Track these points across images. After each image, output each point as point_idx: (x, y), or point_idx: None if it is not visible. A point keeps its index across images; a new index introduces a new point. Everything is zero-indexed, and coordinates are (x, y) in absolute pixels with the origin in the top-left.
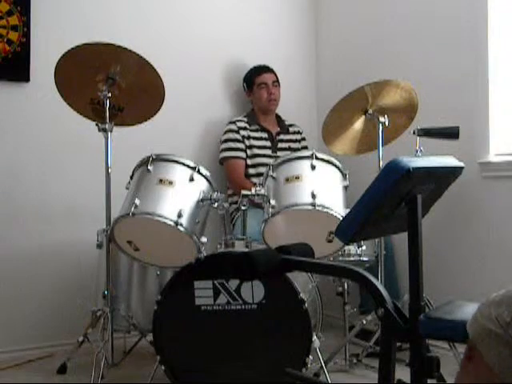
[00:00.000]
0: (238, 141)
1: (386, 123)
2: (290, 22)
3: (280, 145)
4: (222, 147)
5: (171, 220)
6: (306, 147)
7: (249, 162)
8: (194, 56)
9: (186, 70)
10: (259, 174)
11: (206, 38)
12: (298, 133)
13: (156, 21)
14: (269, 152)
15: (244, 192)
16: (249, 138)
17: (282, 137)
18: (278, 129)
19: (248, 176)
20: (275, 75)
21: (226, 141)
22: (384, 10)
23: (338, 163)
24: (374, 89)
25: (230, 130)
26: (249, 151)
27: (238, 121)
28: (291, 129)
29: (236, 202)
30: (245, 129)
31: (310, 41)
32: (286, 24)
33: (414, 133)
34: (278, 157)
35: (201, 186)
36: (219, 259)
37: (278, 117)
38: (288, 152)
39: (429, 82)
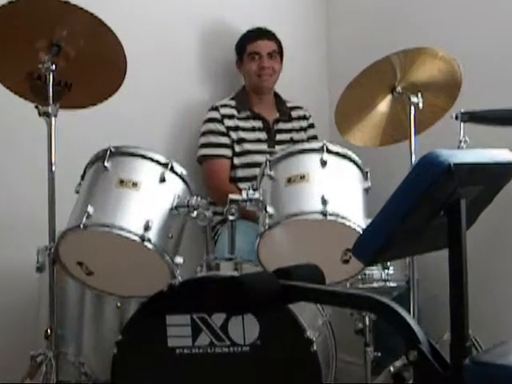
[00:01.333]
0: (221, 134)
1: (420, 105)
2: None
3: (279, 136)
4: (200, 142)
5: (136, 234)
6: (314, 137)
7: (236, 161)
8: (167, 18)
9: (157, 37)
10: (251, 178)
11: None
12: (304, 118)
13: None
14: (264, 147)
15: (232, 197)
16: (237, 129)
17: (281, 125)
18: (277, 115)
19: (235, 180)
20: (277, 44)
21: (206, 134)
22: None
23: (356, 158)
24: (403, 59)
25: (212, 120)
26: (237, 147)
27: (222, 106)
28: (294, 113)
29: (221, 213)
30: (231, 117)
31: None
32: None
33: (456, 117)
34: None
35: (175, 188)
36: (199, 286)
37: (277, 97)
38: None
39: (477, 50)
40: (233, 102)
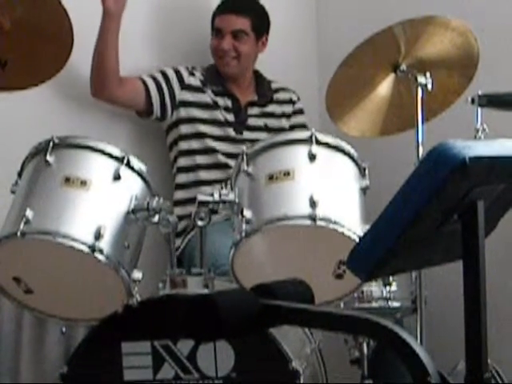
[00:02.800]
0: (168, 83)
1: (429, 86)
2: None
3: (250, 121)
4: None
5: (85, 243)
6: (303, 126)
7: (184, 145)
8: None
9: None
10: (215, 181)
11: None
12: (290, 102)
13: None
14: (230, 132)
15: (201, 198)
16: (195, 104)
17: (255, 110)
18: (255, 97)
19: (181, 186)
20: (250, 21)
21: (159, 71)
22: None
23: (351, 151)
24: (408, 30)
25: (173, 68)
26: (185, 126)
27: (187, 68)
28: (276, 96)
29: (188, 215)
30: (196, 79)
31: None
32: None
33: (472, 101)
34: (249, 141)
35: (132, 187)
36: (162, 307)
37: (258, 77)
38: (263, 134)
39: (498, 20)
40: (199, 74)
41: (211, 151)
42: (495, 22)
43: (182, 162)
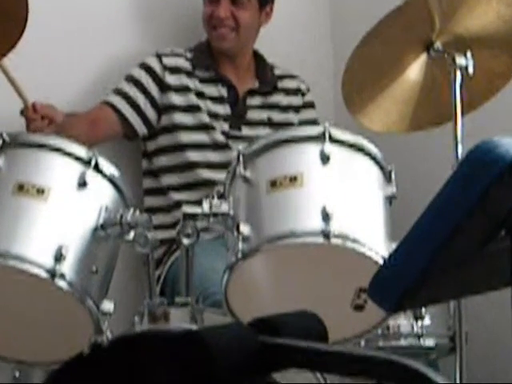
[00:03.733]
0: (143, 91)
1: (470, 69)
2: None
3: (251, 114)
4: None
5: (42, 266)
6: (313, 122)
7: (168, 139)
8: None
9: None
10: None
11: None
12: (298, 92)
13: None
14: (225, 127)
15: (187, 210)
16: (186, 89)
17: (257, 100)
18: (255, 84)
19: (160, 190)
20: None
21: (127, 79)
22: None
23: (374, 150)
24: (445, 1)
25: (144, 66)
26: (179, 115)
27: (169, 55)
28: (281, 84)
29: (172, 225)
30: (179, 71)
31: None
32: None
33: None
34: (250, 138)
35: (101, 197)
36: (138, 346)
37: (258, 60)
38: (266, 130)
39: None
40: (189, 54)
41: (191, 166)
42: None
43: (164, 179)
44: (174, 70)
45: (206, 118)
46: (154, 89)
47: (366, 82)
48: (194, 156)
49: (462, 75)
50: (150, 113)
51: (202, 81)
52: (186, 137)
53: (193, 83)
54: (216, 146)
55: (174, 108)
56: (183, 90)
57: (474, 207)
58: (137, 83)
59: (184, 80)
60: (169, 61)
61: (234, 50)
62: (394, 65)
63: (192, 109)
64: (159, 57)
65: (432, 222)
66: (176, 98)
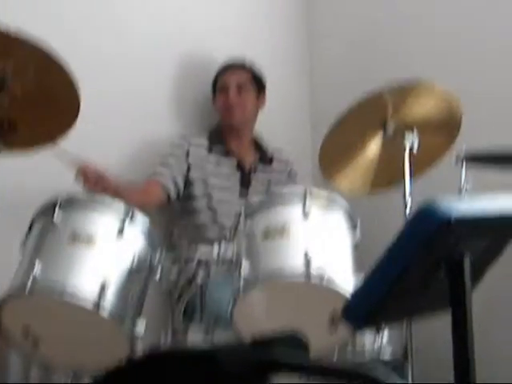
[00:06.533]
0: (177, 161)
1: (415, 145)
2: (272, 9)
3: (255, 180)
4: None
5: (89, 300)
6: (297, 185)
7: (197, 203)
8: (132, 51)
9: (118, 72)
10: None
11: (153, 25)
12: (287, 164)
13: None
14: (236, 193)
15: (200, 257)
16: (203, 167)
17: (259, 168)
18: (257, 157)
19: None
20: (250, 74)
21: (164, 155)
22: None
23: (345, 205)
24: (396, 94)
25: (176, 145)
26: (198, 188)
27: (193, 136)
28: (276, 156)
29: (190, 259)
30: (201, 147)
31: (300, 28)
32: (265, 11)
33: (457, 159)
34: (251, 200)
35: (135, 242)
36: (166, 361)
37: (258, 139)
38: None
39: (478, 84)
40: (205, 141)
41: (215, 209)
42: (475, 84)
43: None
44: (197, 146)
45: (227, 174)
46: (184, 164)
47: (337, 156)
48: (223, 204)
49: (410, 149)
50: (181, 187)
51: (217, 156)
52: (216, 192)
53: (210, 157)
54: (228, 210)
55: (193, 196)
56: (202, 164)
57: (419, 254)
58: (175, 160)
59: (203, 154)
60: (193, 141)
61: (241, 126)
62: (357, 142)
63: (207, 194)
64: (185, 137)
65: (387, 264)
66: (210, 166)
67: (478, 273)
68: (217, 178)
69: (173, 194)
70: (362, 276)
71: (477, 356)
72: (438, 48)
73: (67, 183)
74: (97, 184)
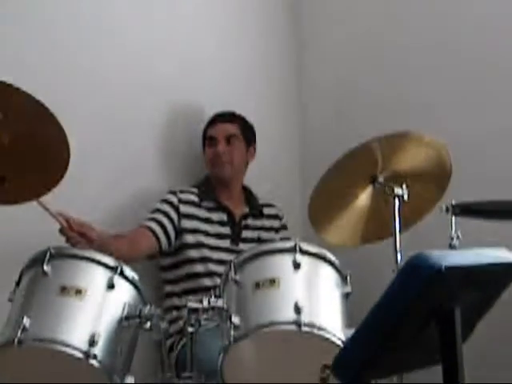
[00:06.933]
0: (167, 216)
1: (405, 197)
2: (264, 60)
3: (245, 233)
4: None
5: (79, 349)
6: (287, 238)
7: (191, 253)
8: (121, 102)
9: (106, 125)
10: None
11: (144, 74)
12: (277, 217)
13: (64, 53)
14: (227, 244)
15: (191, 305)
16: (193, 217)
17: (250, 222)
18: (247, 209)
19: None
20: (239, 127)
21: (153, 211)
22: (396, 30)
23: (333, 259)
24: (385, 145)
25: (165, 201)
26: (190, 236)
27: (182, 192)
28: (266, 210)
29: (178, 319)
30: (191, 204)
31: (290, 79)
32: (257, 62)
33: (446, 210)
34: (242, 251)
35: (124, 295)
36: None
37: (247, 192)
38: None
39: (468, 134)
40: (195, 197)
41: (206, 260)
42: (465, 135)
43: (179, 271)
44: (186, 203)
45: (216, 230)
46: (175, 217)
47: (327, 207)
48: (208, 253)
49: (400, 202)
50: (173, 239)
51: (208, 209)
52: (207, 240)
53: (200, 212)
54: (224, 250)
55: (186, 246)
56: (193, 219)
57: (410, 306)
58: (164, 213)
59: (193, 210)
60: (183, 196)
61: (230, 178)
62: (347, 194)
63: (206, 221)
64: (175, 193)
65: (378, 317)
66: (188, 238)
67: (469, 325)
68: (209, 225)
69: (163, 240)
70: (352, 330)
71: None
72: (427, 99)
73: (54, 235)
74: (81, 237)
